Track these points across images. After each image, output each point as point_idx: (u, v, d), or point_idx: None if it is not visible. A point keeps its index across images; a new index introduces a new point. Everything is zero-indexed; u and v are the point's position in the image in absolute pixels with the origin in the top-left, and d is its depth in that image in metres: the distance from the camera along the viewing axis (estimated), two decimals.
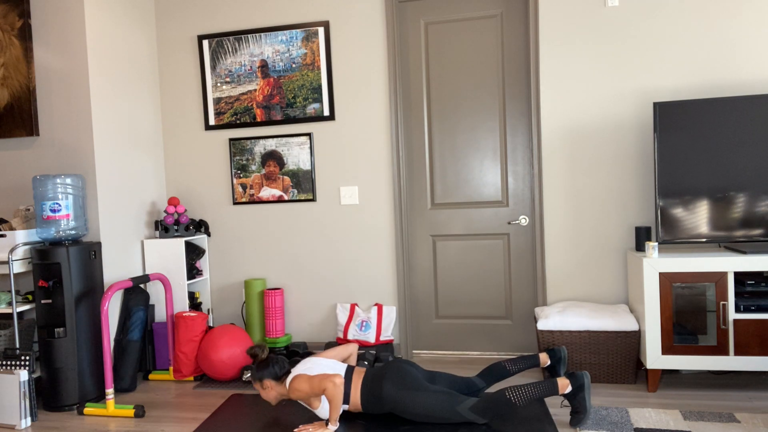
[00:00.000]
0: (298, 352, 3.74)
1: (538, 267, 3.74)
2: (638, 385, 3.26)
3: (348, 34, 3.92)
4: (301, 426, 2.83)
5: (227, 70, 4.13)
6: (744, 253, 3.06)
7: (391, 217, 3.92)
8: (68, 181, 3.36)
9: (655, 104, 3.23)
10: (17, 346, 3.29)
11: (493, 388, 3.31)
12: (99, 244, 3.52)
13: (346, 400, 2.87)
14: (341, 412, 2.98)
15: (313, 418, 2.99)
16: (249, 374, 3.54)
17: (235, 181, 4.16)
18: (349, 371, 2.93)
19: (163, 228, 3.99)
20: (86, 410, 3.23)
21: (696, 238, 3.22)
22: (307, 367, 2.87)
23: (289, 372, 2.94)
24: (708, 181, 3.19)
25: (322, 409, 2.82)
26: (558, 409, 2.98)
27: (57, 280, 3.27)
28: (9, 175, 3.75)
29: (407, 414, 2.78)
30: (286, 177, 4.07)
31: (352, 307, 3.96)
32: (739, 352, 3.02)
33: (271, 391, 2.93)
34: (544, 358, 3.06)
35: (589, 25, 3.57)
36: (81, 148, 3.61)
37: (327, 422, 2.79)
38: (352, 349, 3.09)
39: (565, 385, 2.70)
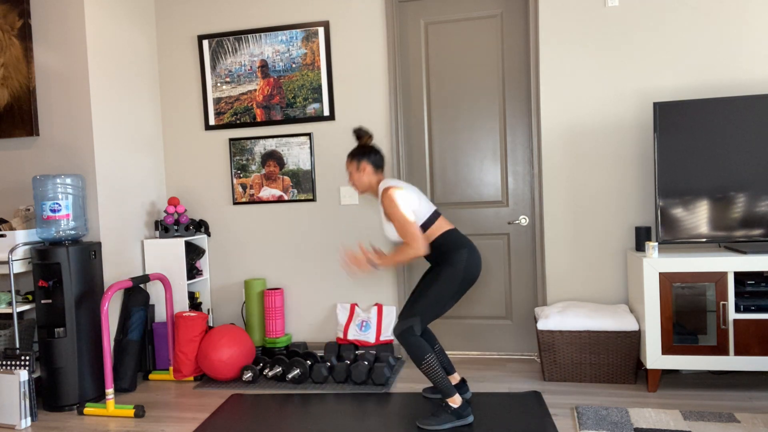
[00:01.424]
0: (298, 352, 3.74)
1: (538, 267, 3.74)
2: (638, 385, 3.26)
3: (348, 34, 3.92)
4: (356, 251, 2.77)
5: (227, 70, 4.13)
6: (744, 253, 3.06)
7: None
8: (68, 181, 3.36)
9: (655, 104, 3.23)
10: (17, 346, 3.30)
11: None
12: (99, 244, 3.52)
13: (425, 227, 2.84)
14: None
15: (309, 419, 2.98)
16: (249, 374, 3.54)
17: (235, 181, 4.16)
18: (437, 212, 2.92)
19: (163, 228, 3.99)
20: (86, 410, 3.23)
21: (696, 238, 3.22)
22: (406, 185, 2.87)
23: (383, 167, 2.99)
24: (708, 181, 3.19)
25: (390, 233, 2.86)
26: (557, 410, 2.98)
27: (57, 280, 3.27)
28: (9, 175, 3.75)
29: (425, 281, 2.84)
30: (286, 177, 4.07)
31: (352, 307, 3.96)
32: (739, 352, 3.02)
33: (364, 175, 2.92)
34: (456, 378, 3.15)
35: (589, 25, 3.57)
36: (81, 148, 3.61)
37: (379, 256, 2.82)
38: None
39: (456, 401, 2.81)
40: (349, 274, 2.64)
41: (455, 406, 2.80)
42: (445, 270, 2.80)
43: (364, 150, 2.97)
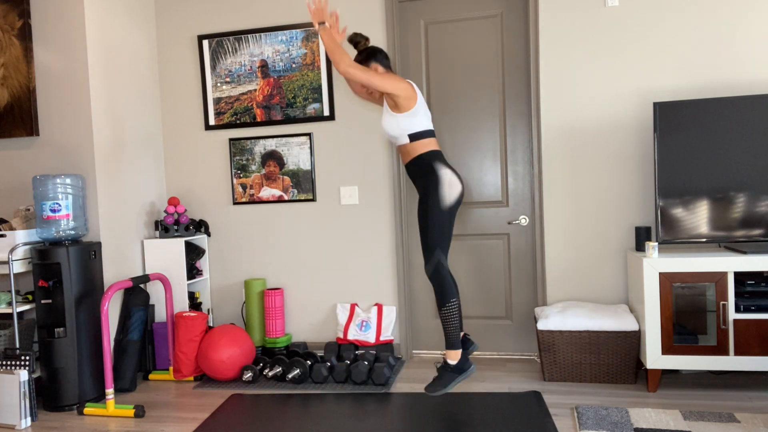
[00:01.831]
0: (298, 352, 3.74)
1: (538, 267, 3.74)
2: (638, 385, 3.26)
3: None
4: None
5: (227, 70, 4.13)
6: (744, 253, 3.06)
7: (391, 217, 3.92)
8: (68, 181, 3.36)
9: (655, 104, 3.23)
10: (17, 346, 3.29)
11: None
12: (99, 244, 3.52)
13: (415, 138, 2.84)
14: (396, 135, 2.90)
15: (309, 419, 2.98)
16: (249, 374, 3.54)
17: (235, 181, 4.16)
18: (431, 132, 2.90)
19: (163, 228, 3.99)
20: (86, 410, 3.23)
21: (696, 238, 3.22)
22: (418, 95, 2.87)
23: (390, 67, 2.96)
24: (708, 181, 3.19)
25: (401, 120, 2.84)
26: (557, 410, 2.98)
27: (57, 280, 3.27)
28: (9, 175, 3.75)
29: (423, 209, 2.82)
30: (286, 177, 4.07)
31: (352, 307, 3.96)
32: (739, 352, 3.02)
33: (376, 73, 2.84)
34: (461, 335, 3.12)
35: (589, 25, 3.57)
36: (81, 148, 3.61)
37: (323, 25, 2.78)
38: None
39: (456, 356, 2.83)
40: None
41: (454, 362, 2.82)
42: (432, 194, 2.80)
43: (369, 52, 2.92)
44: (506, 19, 3.76)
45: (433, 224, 2.80)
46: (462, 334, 3.11)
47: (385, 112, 2.89)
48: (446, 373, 2.82)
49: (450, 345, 2.83)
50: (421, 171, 2.85)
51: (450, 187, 2.82)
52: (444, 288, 2.79)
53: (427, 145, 2.86)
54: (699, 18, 3.43)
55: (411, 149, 2.87)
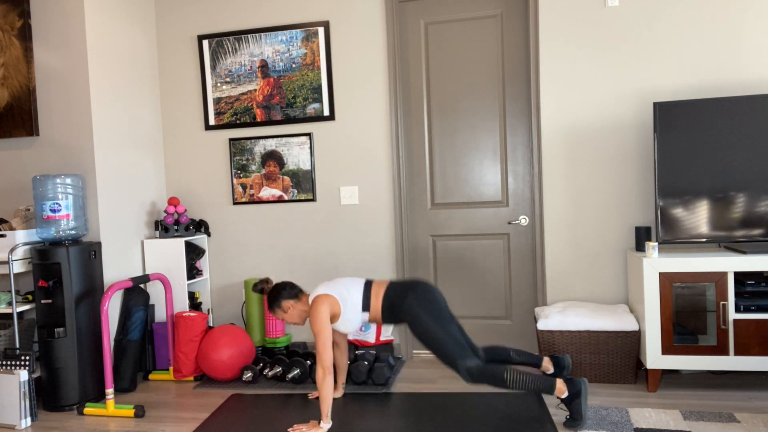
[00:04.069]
0: (298, 352, 3.74)
1: (538, 267, 3.74)
2: (638, 385, 3.26)
3: (348, 34, 3.92)
4: (295, 426, 2.83)
5: (227, 70, 4.13)
6: (744, 253, 3.06)
7: (391, 217, 3.92)
8: (68, 181, 3.36)
9: (655, 104, 3.23)
10: (17, 346, 3.30)
11: None
12: (99, 244, 3.52)
13: (366, 307, 2.93)
14: (362, 324, 3.04)
15: (309, 419, 2.99)
16: (249, 374, 3.54)
17: (235, 181, 4.16)
18: (369, 284, 2.98)
19: (163, 228, 3.99)
20: (86, 410, 3.23)
21: (696, 238, 3.22)
22: (332, 284, 2.95)
23: (300, 290, 3.04)
24: (708, 181, 3.19)
25: (343, 322, 2.95)
26: (558, 409, 2.98)
27: (57, 280, 3.27)
28: (9, 175, 3.75)
29: (417, 335, 2.85)
30: (286, 177, 4.07)
31: None
32: (739, 352, 3.02)
33: (293, 310, 2.98)
34: (547, 365, 3.08)
35: (589, 25, 3.57)
36: (81, 148, 3.61)
37: (319, 421, 2.79)
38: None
39: (562, 389, 2.72)
40: None
41: (564, 395, 2.72)
42: (416, 319, 2.84)
43: (274, 293, 3.01)
44: (506, 19, 3.76)
45: (438, 341, 2.80)
46: (545, 365, 3.09)
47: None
48: (569, 405, 2.73)
49: (546, 392, 2.72)
50: (392, 313, 2.92)
51: (423, 302, 2.85)
52: (493, 380, 2.73)
53: (377, 297, 2.94)
54: (699, 18, 3.43)
55: (374, 314, 2.95)
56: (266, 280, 3.07)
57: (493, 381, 2.73)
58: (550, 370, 3.08)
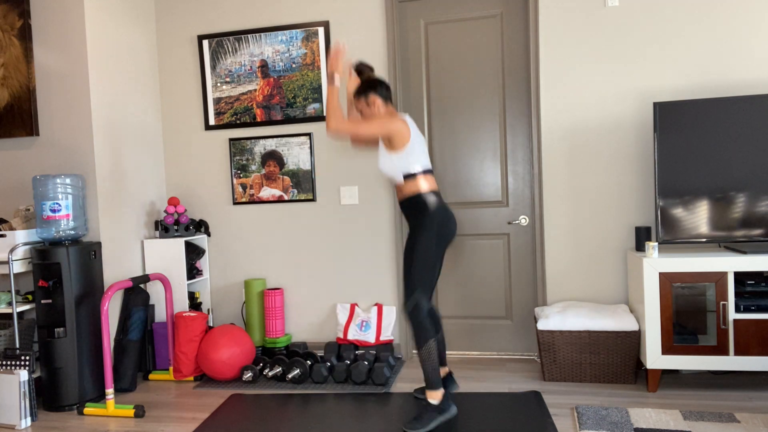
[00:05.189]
0: (298, 352, 3.75)
1: (538, 267, 3.74)
2: (638, 385, 3.26)
3: (348, 34, 3.92)
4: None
5: (227, 70, 4.13)
6: (744, 253, 3.06)
7: (391, 217, 3.92)
8: (68, 181, 3.36)
9: (655, 104, 3.23)
10: (17, 346, 3.29)
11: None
12: (99, 244, 3.52)
13: (412, 177, 2.83)
14: (390, 175, 2.91)
15: (309, 419, 2.98)
16: (249, 374, 3.54)
17: (235, 181, 4.16)
18: (430, 171, 2.91)
19: (163, 228, 3.99)
20: (86, 410, 3.23)
21: (696, 238, 3.22)
22: (416, 131, 2.89)
23: (392, 102, 2.96)
24: (708, 181, 3.19)
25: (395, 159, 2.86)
26: (557, 410, 2.98)
27: (57, 280, 3.27)
28: (9, 175, 3.75)
29: (409, 246, 2.84)
30: (286, 177, 4.07)
31: (352, 307, 3.96)
32: (739, 352, 3.02)
33: (374, 108, 2.87)
34: (445, 370, 3.16)
35: (589, 25, 3.57)
36: (81, 148, 3.61)
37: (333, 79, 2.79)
38: None
39: (439, 397, 2.82)
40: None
41: (436, 402, 2.81)
42: (421, 231, 2.81)
43: (371, 83, 2.90)
44: (506, 19, 3.76)
45: (419, 262, 2.80)
46: (446, 371, 3.14)
47: (381, 151, 2.90)
48: (426, 412, 2.80)
49: (429, 385, 2.82)
50: (414, 210, 2.85)
51: (441, 226, 2.81)
52: (420, 330, 2.78)
53: (422, 184, 2.84)
54: (699, 18, 3.43)
55: (405, 188, 2.86)
56: (370, 67, 2.97)
57: (419, 332, 2.77)
58: (445, 372, 3.15)
